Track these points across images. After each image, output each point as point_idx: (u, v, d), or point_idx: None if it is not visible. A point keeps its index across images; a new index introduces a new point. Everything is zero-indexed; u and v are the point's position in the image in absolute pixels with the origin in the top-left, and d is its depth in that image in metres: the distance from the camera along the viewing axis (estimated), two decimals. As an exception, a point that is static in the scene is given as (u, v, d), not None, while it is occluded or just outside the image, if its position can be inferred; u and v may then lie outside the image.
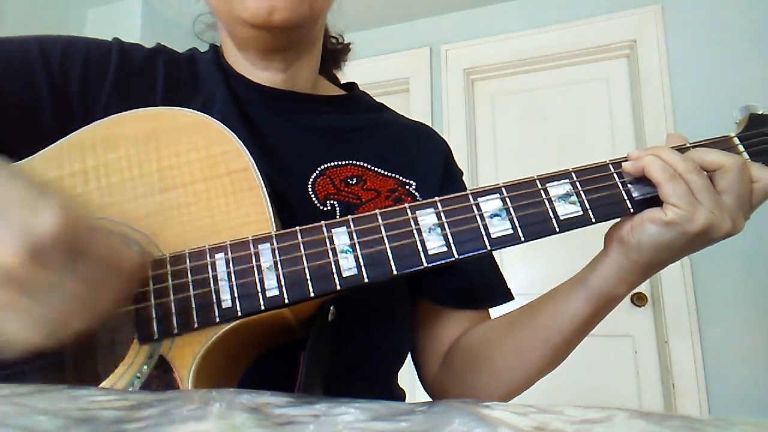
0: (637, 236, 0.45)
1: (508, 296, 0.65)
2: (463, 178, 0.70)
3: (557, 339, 0.53)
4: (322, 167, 0.58)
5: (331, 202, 0.56)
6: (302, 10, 0.53)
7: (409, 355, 0.65)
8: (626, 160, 0.47)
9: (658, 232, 0.44)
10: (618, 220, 0.48)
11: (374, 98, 0.72)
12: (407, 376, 0.67)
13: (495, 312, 0.65)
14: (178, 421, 0.21)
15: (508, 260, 2.19)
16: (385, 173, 0.61)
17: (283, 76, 0.61)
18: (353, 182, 0.58)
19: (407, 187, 0.61)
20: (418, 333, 0.64)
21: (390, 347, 0.59)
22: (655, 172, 0.44)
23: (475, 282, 0.63)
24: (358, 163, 0.60)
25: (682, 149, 0.47)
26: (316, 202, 0.56)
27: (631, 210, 0.45)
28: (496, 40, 2.38)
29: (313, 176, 0.57)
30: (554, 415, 0.22)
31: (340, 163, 0.59)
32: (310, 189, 0.56)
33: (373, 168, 0.60)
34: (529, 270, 2.20)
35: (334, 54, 0.74)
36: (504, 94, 2.42)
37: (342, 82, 0.74)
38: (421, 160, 0.64)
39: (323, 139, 0.61)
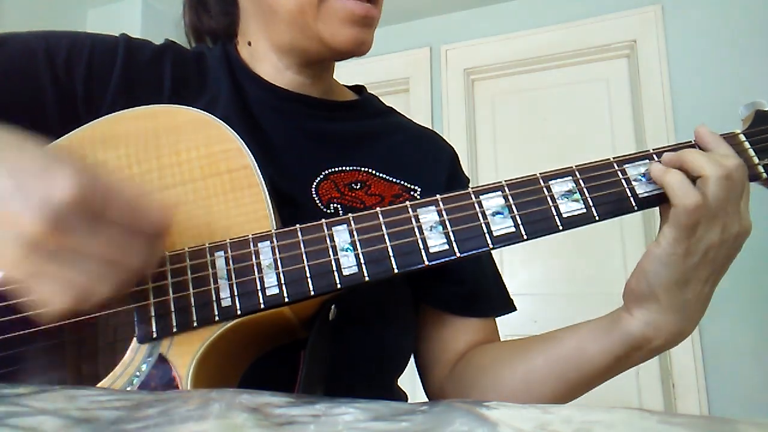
0: (645, 283, 0.45)
1: (510, 307, 0.64)
2: (464, 179, 0.69)
3: (573, 375, 0.51)
4: (326, 172, 0.58)
5: (335, 205, 0.56)
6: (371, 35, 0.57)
7: (412, 359, 0.65)
8: (629, 158, 0.46)
9: (658, 268, 0.44)
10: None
11: (383, 101, 0.71)
12: (407, 377, 0.66)
13: (502, 324, 0.65)
14: (178, 421, 0.21)
15: (508, 260, 2.18)
16: (390, 179, 0.60)
17: (309, 81, 0.62)
18: (357, 187, 0.58)
19: (412, 192, 0.60)
20: (423, 341, 0.64)
21: (391, 348, 0.58)
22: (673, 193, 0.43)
23: (478, 290, 0.63)
24: (363, 169, 0.60)
25: (684, 146, 0.47)
26: (319, 204, 0.56)
27: (635, 208, 0.45)
28: (496, 40, 2.37)
29: (316, 180, 0.57)
30: (554, 415, 0.22)
31: (344, 168, 0.59)
32: (313, 192, 0.56)
33: (377, 174, 0.60)
34: (529, 270, 2.19)
35: None
36: (504, 94, 2.42)
37: (350, 84, 0.73)
38: (426, 165, 0.64)
39: (329, 144, 0.61)
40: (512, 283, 0.68)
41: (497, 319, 0.65)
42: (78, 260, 0.34)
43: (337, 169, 0.59)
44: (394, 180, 0.60)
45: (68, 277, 0.34)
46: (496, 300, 0.64)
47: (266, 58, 0.61)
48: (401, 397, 0.64)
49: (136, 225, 0.36)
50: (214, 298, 0.41)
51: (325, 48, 0.56)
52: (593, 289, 2.03)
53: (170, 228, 0.40)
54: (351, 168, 0.59)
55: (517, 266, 2.19)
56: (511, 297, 0.65)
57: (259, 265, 0.42)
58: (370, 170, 0.60)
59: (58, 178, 0.32)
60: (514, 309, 0.64)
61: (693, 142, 0.48)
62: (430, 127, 0.75)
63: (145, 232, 0.37)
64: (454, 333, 0.62)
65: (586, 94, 2.29)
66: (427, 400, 0.65)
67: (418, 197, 0.60)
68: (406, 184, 0.61)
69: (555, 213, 0.44)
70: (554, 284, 2.14)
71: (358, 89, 0.71)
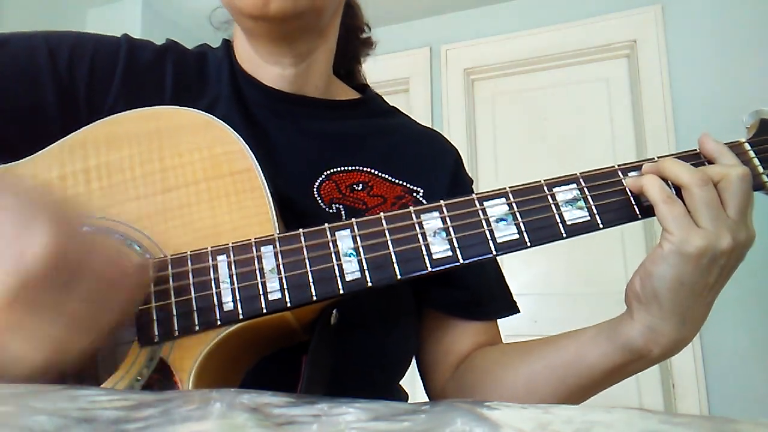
0: (650, 285, 0.44)
1: (514, 309, 0.64)
2: (465, 179, 0.69)
3: (573, 381, 0.51)
4: (328, 172, 0.57)
5: (337, 206, 0.56)
6: (300, 1, 0.51)
7: (414, 362, 0.64)
8: (634, 165, 0.46)
9: (664, 270, 0.43)
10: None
11: (386, 101, 0.70)
12: (407, 378, 0.66)
13: (502, 324, 0.65)
14: (179, 421, 0.21)
15: (508, 259, 2.18)
16: (393, 180, 0.60)
17: (293, 71, 0.59)
18: (359, 188, 0.58)
19: (414, 194, 0.60)
20: (426, 345, 0.63)
21: (393, 353, 0.58)
22: (653, 193, 0.43)
23: (481, 293, 0.62)
24: (365, 169, 0.59)
25: (690, 155, 0.47)
26: (321, 204, 0.55)
27: (639, 216, 0.45)
28: (496, 40, 2.37)
29: (318, 180, 0.57)
30: (555, 416, 0.22)
31: (346, 168, 0.58)
32: (315, 193, 0.56)
33: (380, 174, 0.59)
34: (529, 270, 2.19)
35: (359, 48, 0.73)
36: (504, 94, 2.42)
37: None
38: (429, 167, 0.63)
39: (330, 144, 0.60)
40: (512, 283, 0.68)
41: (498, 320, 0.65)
42: (53, 315, 0.34)
43: (339, 169, 0.58)
44: (397, 181, 0.60)
45: (45, 330, 0.33)
46: (499, 302, 0.64)
47: (247, 53, 0.60)
48: (402, 397, 0.63)
49: (113, 281, 0.36)
50: (216, 303, 0.41)
51: (244, 16, 0.53)
52: (593, 289, 2.03)
53: (149, 282, 0.41)
54: (353, 168, 0.59)
55: (517, 266, 2.19)
56: (514, 298, 0.65)
57: (261, 269, 0.42)
58: (372, 170, 0.59)
59: (34, 236, 0.32)
60: (518, 311, 0.64)
61: (697, 151, 0.47)
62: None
63: (120, 287, 0.37)
64: (456, 336, 0.62)
65: (586, 94, 2.29)
66: (425, 395, 0.65)
67: (421, 199, 0.60)
68: (408, 185, 0.60)
69: (559, 220, 0.44)
70: (554, 284, 2.14)
71: (362, 88, 0.70)
